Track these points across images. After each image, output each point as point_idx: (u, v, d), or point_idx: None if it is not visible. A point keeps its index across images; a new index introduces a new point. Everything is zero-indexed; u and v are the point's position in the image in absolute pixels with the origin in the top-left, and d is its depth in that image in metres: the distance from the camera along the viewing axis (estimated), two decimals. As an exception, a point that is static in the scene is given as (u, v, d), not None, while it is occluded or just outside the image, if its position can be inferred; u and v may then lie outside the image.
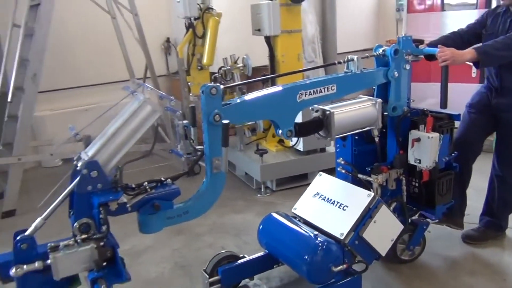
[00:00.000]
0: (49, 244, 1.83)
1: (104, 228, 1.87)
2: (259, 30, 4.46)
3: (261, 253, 2.78)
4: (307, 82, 2.41)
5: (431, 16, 5.70)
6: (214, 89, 2.10)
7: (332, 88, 2.45)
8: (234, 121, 2.21)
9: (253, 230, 3.31)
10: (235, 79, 4.62)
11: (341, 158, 2.92)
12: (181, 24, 5.06)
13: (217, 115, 2.09)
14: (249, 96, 2.28)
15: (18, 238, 1.82)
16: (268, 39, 4.50)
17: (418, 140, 2.65)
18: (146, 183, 2.05)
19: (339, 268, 2.40)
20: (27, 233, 1.84)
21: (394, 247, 2.90)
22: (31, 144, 4.93)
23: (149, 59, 5.49)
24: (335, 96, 2.48)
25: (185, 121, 2.32)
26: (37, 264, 1.80)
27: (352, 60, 2.55)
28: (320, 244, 2.41)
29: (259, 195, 4.34)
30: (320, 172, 2.90)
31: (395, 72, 2.63)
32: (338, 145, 2.95)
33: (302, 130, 2.45)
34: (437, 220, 3.00)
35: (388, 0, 7.71)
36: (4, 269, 1.82)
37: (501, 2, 3.05)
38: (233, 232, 3.60)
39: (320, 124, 2.51)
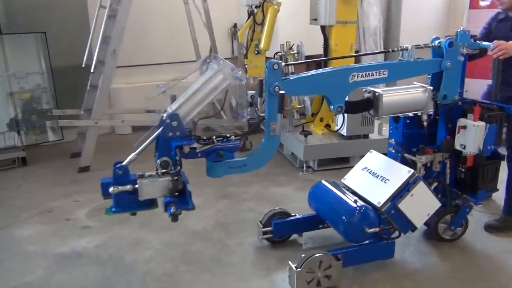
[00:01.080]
0: (138, 173, 2.42)
1: (178, 166, 2.40)
2: (315, 19, 4.69)
3: (309, 214, 3.19)
4: (360, 65, 2.74)
5: (490, 13, 5.54)
6: (276, 65, 2.52)
7: (384, 73, 2.75)
8: (292, 93, 2.62)
9: (290, 202, 3.82)
10: None
11: (392, 139, 3.21)
12: (245, 12, 5.51)
13: (276, 87, 2.51)
14: (306, 73, 2.68)
15: (117, 166, 2.42)
16: (323, 29, 4.73)
17: (464, 127, 2.86)
18: (214, 136, 2.56)
19: (372, 230, 2.73)
20: (123, 163, 2.44)
21: (436, 226, 3.14)
22: (107, 112, 5.61)
23: (214, 42, 5.80)
24: (386, 80, 2.78)
25: (251, 92, 2.76)
26: (128, 187, 2.39)
27: (406, 49, 2.83)
28: (357, 208, 2.76)
29: (300, 173, 4.65)
30: (371, 150, 3.21)
31: (449, 63, 2.85)
32: (391, 127, 3.24)
33: (351, 108, 2.79)
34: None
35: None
36: (105, 188, 2.44)
37: (499, 8, 3.16)
38: (272, 201, 3.93)
39: (369, 104, 2.83)
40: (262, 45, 5.16)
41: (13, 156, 5.04)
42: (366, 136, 4.76)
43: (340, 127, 4.64)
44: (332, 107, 2.72)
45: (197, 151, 2.46)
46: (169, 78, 6.55)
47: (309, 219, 3.19)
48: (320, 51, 4.92)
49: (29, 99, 5.26)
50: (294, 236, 3.28)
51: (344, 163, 4.68)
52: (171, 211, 2.34)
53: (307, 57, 4.82)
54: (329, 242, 3.22)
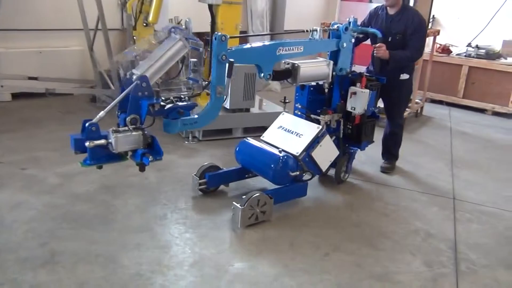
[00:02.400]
0: (111, 128, 2.63)
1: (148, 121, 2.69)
2: None
3: (236, 167, 3.74)
4: (285, 41, 3.36)
5: (359, 5, 6.67)
6: (223, 37, 2.96)
7: (300, 49, 3.42)
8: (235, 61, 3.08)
9: (175, 167, 4.19)
10: None
11: (298, 104, 3.94)
12: None
13: (223, 55, 2.96)
14: (246, 46, 3.19)
15: (88, 123, 2.59)
16: (210, 7, 4.98)
17: (355, 93, 3.73)
18: (172, 97, 2.90)
19: (294, 173, 3.42)
20: (94, 120, 2.61)
21: (340, 170, 3.99)
22: None
23: (102, 11, 5.68)
24: (302, 54, 3.44)
25: (193, 59, 3.14)
26: (103, 141, 2.60)
27: (316, 30, 3.55)
28: (282, 157, 3.41)
29: (186, 142, 4.86)
30: (283, 112, 3.89)
31: (344, 43, 3.68)
32: (297, 94, 3.96)
33: (277, 76, 3.40)
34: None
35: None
36: (78, 143, 2.60)
37: (385, 3, 4.17)
38: (157, 167, 4.04)
39: (289, 73, 3.49)
40: (150, 18, 5.31)
41: None
42: (247, 110, 5.18)
43: (224, 101, 5.15)
44: (262, 74, 3.28)
45: (166, 108, 2.78)
46: (53, 45, 6.27)
47: (237, 171, 3.73)
48: (208, 28, 5.26)
49: None
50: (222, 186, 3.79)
51: (227, 134, 5.06)
52: (149, 159, 2.64)
53: (198, 34, 5.20)
54: (249, 190, 3.81)
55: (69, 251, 2.85)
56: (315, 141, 3.55)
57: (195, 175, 3.61)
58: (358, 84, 3.75)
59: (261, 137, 3.77)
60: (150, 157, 2.67)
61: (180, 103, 2.88)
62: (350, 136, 3.95)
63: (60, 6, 6.16)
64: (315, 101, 3.88)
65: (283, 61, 3.50)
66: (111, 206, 3.46)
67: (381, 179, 4.36)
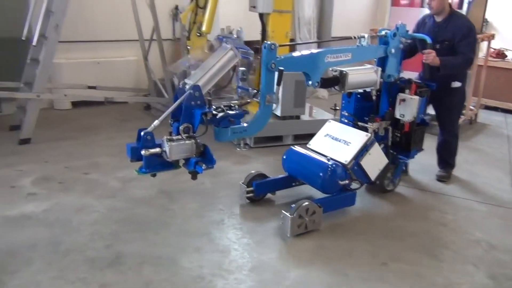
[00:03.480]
0: (165, 137, 2.73)
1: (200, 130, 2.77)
2: (254, 7, 4.92)
3: (283, 175, 3.77)
4: (333, 49, 3.37)
5: (410, 11, 6.57)
6: (273, 45, 3.01)
7: (348, 56, 3.42)
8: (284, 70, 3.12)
9: (228, 173, 4.28)
10: None
11: (345, 111, 3.92)
12: None
13: (273, 64, 3.01)
14: (295, 54, 3.22)
15: (143, 132, 2.70)
16: (261, 16, 4.98)
17: (404, 100, 3.68)
18: (222, 106, 2.97)
19: (343, 182, 3.41)
20: (149, 129, 2.73)
21: (382, 182, 3.93)
22: (48, 86, 5.59)
23: (157, 23, 5.99)
24: (350, 61, 3.44)
25: (242, 68, 3.20)
26: (157, 149, 2.70)
27: (363, 36, 3.53)
28: (331, 165, 3.41)
29: (238, 149, 4.97)
30: (330, 119, 3.89)
31: (392, 49, 3.63)
32: (344, 101, 3.94)
33: (325, 83, 3.41)
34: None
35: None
36: (134, 152, 2.72)
37: (430, 11, 4.12)
38: (211, 173, 4.04)
39: (337, 81, 3.49)
40: (204, 28, 5.45)
41: None
42: (298, 117, 5.25)
43: (275, 108, 5.19)
44: (310, 82, 3.30)
45: (218, 117, 2.85)
46: (110, 55, 6.64)
47: (284, 180, 3.77)
48: (258, 36, 5.31)
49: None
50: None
51: (278, 141, 5.13)
52: (202, 168, 2.72)
53: (248, 42, 5.31)
54: (296, 198, 3.82)
55: (133, 253, 2.99)
56: (364, 149, 3.52)
57: (242, 183, 3.66)
58: (407, 91, 3.69)
59: (307, 145, 3.78)
60: (203, 165, 2.74)
61: (231, 112, 2.95)
62: (399, 144, 3.89)
63: (116, 18, 6.50)
64: (362, 109, 3.84)
65: (331, 69, 3.51)
66: (169, 210, 3.59)
67: (436, 188, 4.27)
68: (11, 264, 2.80)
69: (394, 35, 3.62)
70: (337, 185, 3.41)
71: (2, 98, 5.14)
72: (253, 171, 3.76)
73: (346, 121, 3.91)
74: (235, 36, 5.23)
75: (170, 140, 2.72)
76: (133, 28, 6.09)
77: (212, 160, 2.82)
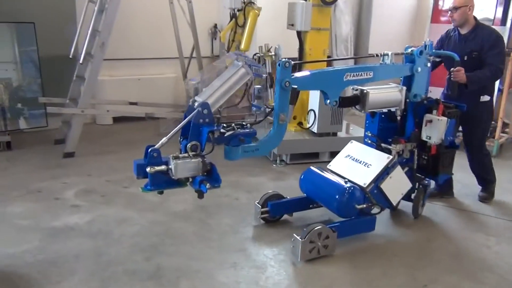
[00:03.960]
0: (171, 155, 2.72)
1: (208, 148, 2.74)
2: (292, 25, 5.08)
3: (300, 196, 3.65)
4: (352, 67, 3.26)
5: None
6: (287, 63, 2.93)
7: (370, 74, 3.27)
8: (299, 88, 3.05)
9: (263, 190, 4.14)
10: (266, 66, 5.15)
11: (368, 131, 3.77)
12: (227, 14, 5.91)
13: (287, 82, 2.94)
14: (311, 72, 3.14)
15: (150, 149, 2.71)
16: (299, 34, 5.13)
17: (431, 121, 3.48)
18: (233, 124, 2.93)
19: (360, 206, 3.25)
20: (156, 146, 2.72)
21: (418, 204, 3.75)
22: (91, 102, 5.76)
23: (197, 41, 6.17)
24: (371, 80, 3.30)
25: (258, 86, 3.16)
26: (163, 167, 2.69)
27: (387, 54, 3.39)
28: (348, 188, 3.27)
29: (274, 165, 5.06)
30: (352, 140, 3.75)
31: (419, 68, 3.46)
32: (367, 121, 3.79)
33: (344, 102, 3.30)
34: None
35: (425, 10, 8.29)
36: (140, 169, 2.73)
37: (452, 24, 3.97)
38: (247, 189, 4.34)
39: (357, 100, 3.36)
40: (242, 46, 5.49)
41: (-2, 140, 5.11)
42: (334, 134, 5.23)
43: (311, 125, 5.15)
44: (328, 101, 3.19)
45: (225, 135, 2.81)
46: (150, 72, 6.88)
47: (301, 201, 3.65)
48: (296, 54, 5.33)
49: (16, 87, 5.36)
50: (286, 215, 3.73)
51: (314, 158, 5.13)
52: (206, 187, 2.68)
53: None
54: (314, 220, 3.69)
55: (172, 266, 3.05)
56: (385, 172, 3.36)
57: (257, 203, 3.59)
58: (434, 112, 3.50)
59: (327, 166, 3.66)
60: (208, 184, 2.70)
61: (241, 130, 2.90)
62: (426, 167, 3.67)
63: (157, 37, 6.70)
64: (386, 129, 3.69)
65: (352, 87, 3.39)
66: (206, 225, 3.65)
67: (479, 208, 4.08)
68: (55, 274, 2.89)
69: (421, 53, 3.45)
70: (354, 209, 3.26)
71: (49, 113, 5.38)
72: (270, 191, 3.68)
73: (369, 141, 3.76)
74: (272, 53, 5.22)
75: (176, 158, 2.71)
76: (172, 46, 6.26)
77: (218, 179, 2.77)
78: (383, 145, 3.60)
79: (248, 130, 2.92)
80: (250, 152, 3.01)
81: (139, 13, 6.59)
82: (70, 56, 5.38)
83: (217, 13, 7.25)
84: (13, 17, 5.40)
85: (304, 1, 5.08)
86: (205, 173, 2.78)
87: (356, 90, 3.38)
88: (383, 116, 3.68)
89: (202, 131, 2.76)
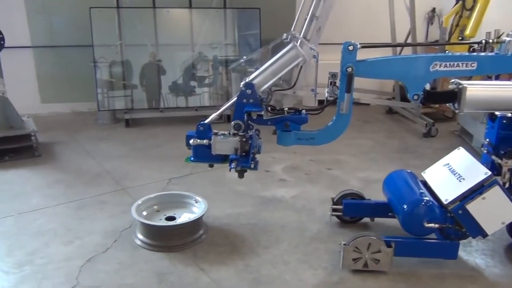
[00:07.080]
0: (213, 131, 2.81)
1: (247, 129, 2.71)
2: None
3: (381, 200, 3.20)
4: (444, 55, 2.64)
5: None
6: (351, 46, 2.61)
7: (472, 65, 2.56)
8: (367, 75, 2.67)
9: None
10: None
11: (487, 139, 2.99)
12: None
13: (349, 67, 2.61)
14: (385, 57, 2.70)
15: (200, 123, 2.85)
16: None
17: None
18: (286, 108, 2.79)
19: (430, 225, 2.65)
20: (206, 121, 2.86)
21: None
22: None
23: (414, 26, 5.72)
24: (473, 73, 2.60)
25: (333, 71, 2.88)
26: (205, 141, 2.81)
27: (504, 41, 2.60)
28: (420, 200, 2.71)
29: None
30: (460, 147, 3.05)
31: (555, 60, 2.54)
32: (487, 126, 3.01)
33: (431, 97, 2.70)
34: None
35: None
36: (188, 140, 2.91)
37: None
38: None
39: (453, 96, 2.70)
40: (468, 31, 4.94)
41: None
42: None
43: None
44: (408, 94, 2.68)
45: (264, 118, 2.73)
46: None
47: (380, 205, 3.20)
48: None
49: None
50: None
51: None
52: (232, 166, 2.68)
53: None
54: (393, 230, 3.15)
55: None
56: (477, 191, 2.62)
57: (332, 198, 3.32)
58: None
59: (421, 173, 3.09)
60: (233, 163, 2.68)
61: (288, 115, 2.75)
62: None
63: (370, 22, 6.62)
64: (508, 139, 2.85)
65: (451, 80, 2.75)
66: None
67: None
68: (264, 239, 3.17)
69: None
70: (422, 226, 2.68)
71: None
72: (349, 189, 3.35)
73: (485, 151, 2.99)
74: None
75: (216, 134, 2.77)
76: (384, 33, 6.01)
77: (247, 161, 2.72)
78: (493, 157, 2.82)
79: (298, 116, 2.75)
80: (304, 141, 2.85)
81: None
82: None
83: (437, -5, 6.58)
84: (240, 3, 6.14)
85: None
86: (243, 153, 2.76)
87: (454, 83, 2.72)
88: (505, 121, 2.86)
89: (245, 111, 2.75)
